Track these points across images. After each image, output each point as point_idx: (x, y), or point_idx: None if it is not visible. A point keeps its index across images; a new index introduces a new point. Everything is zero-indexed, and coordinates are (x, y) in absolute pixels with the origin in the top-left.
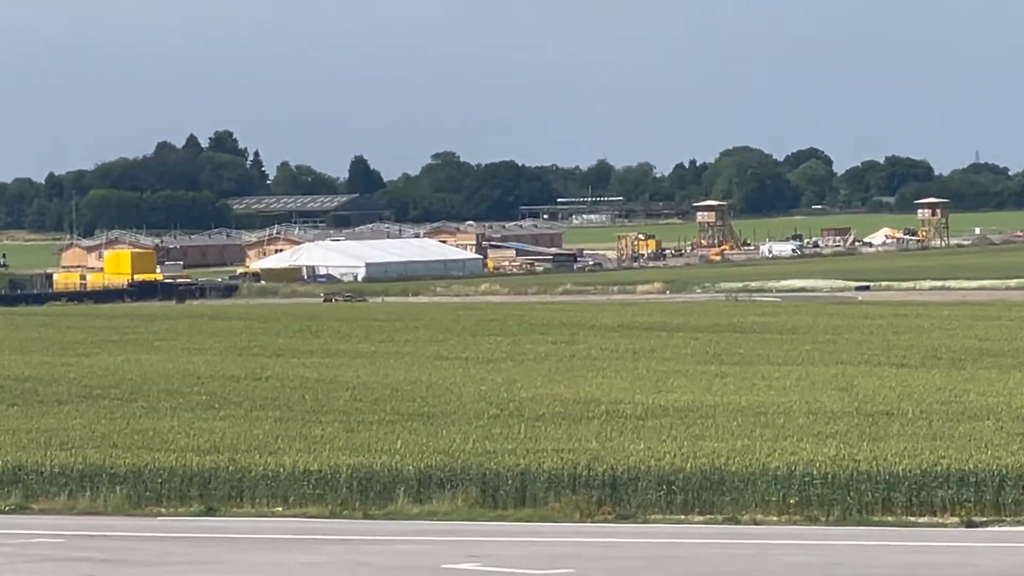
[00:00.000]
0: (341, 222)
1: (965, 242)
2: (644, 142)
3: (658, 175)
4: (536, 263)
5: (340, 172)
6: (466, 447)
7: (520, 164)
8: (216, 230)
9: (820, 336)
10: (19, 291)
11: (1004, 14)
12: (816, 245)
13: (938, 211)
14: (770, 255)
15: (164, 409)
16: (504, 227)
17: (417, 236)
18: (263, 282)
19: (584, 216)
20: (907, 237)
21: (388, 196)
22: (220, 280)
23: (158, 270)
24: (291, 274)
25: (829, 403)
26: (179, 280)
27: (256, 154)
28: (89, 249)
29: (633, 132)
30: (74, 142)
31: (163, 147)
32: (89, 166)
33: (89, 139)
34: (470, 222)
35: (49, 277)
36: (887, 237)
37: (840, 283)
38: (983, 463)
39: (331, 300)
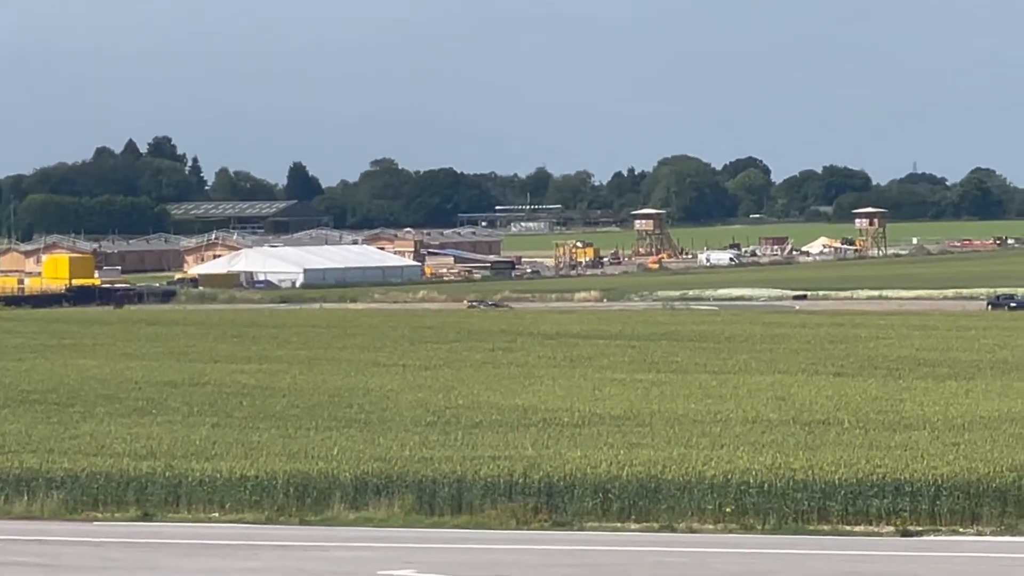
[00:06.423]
0: (280, 228)
1: (902, 252)
2: (583, 150)
3: (596, 183)
4: (474, 270)
5: (279, 178)
6: (403, 454)
7: (459, 171)
8: (154, 235)
9: (757, 345)
10: None
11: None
12: (754, 254)
13: (875, 221)
14: (708, 264)
15: (101, 414)
16: (442, 234)
17: (356, 243)
18: (201, 288)
19: (522, 224)
20: (844, 247)
21: (327, 203)
22: (158, 285)
23: (96, 275)
24: (229, 280)
25: (766, 412)
26: (117, 285)
27: (195, 160)
28: (27, 254)
29: (572, 140)
30: (12, 146)
31: (102, 152)
32: (27, 170)
33: (27, 144)
34: (408, 229)
35: None
36: (824, 246)
37: (777, 292)
38: (919, 472)
39: (475, 307)
